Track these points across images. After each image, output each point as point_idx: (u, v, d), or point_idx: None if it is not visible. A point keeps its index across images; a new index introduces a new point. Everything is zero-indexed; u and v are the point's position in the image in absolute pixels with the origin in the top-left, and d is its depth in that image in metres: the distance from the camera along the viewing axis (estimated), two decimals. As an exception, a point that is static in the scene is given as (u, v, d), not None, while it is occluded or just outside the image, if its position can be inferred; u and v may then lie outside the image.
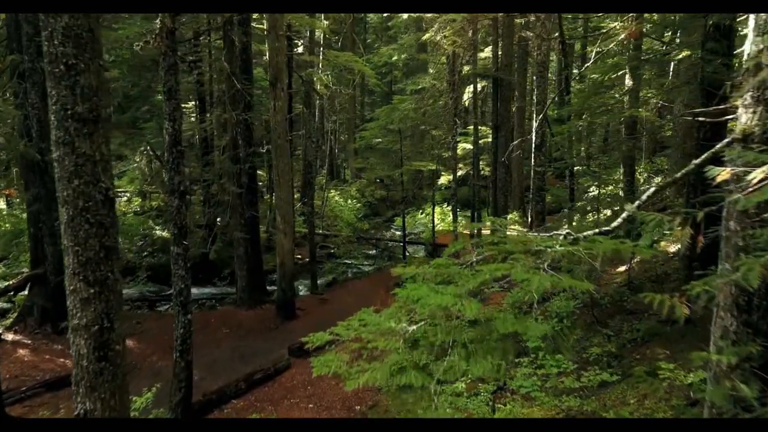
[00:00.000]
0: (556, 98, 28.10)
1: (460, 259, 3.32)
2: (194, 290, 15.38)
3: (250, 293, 11.40)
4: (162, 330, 10.44)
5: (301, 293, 14.51)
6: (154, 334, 10.02)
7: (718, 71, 6.84)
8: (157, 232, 17.50)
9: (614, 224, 2.98)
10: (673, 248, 10.74)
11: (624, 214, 3.02)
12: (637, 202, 3.04)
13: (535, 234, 2.89)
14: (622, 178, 11.23)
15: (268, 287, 13.47)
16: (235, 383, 7.90)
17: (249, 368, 8.62)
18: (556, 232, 2.87)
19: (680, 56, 8.83)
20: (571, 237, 2.85)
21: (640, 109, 9.36)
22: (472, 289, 2.58)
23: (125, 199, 21.25)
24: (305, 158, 14.34)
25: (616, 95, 9.66)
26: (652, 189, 3.16)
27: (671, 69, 10.17)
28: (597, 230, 2.92)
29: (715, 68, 6.81)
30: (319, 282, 16.28)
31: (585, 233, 2.89)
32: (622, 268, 10.94)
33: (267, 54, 11.94)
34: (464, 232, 21.20)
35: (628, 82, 10.92)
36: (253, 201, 11.46)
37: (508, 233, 3.09)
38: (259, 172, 22.62)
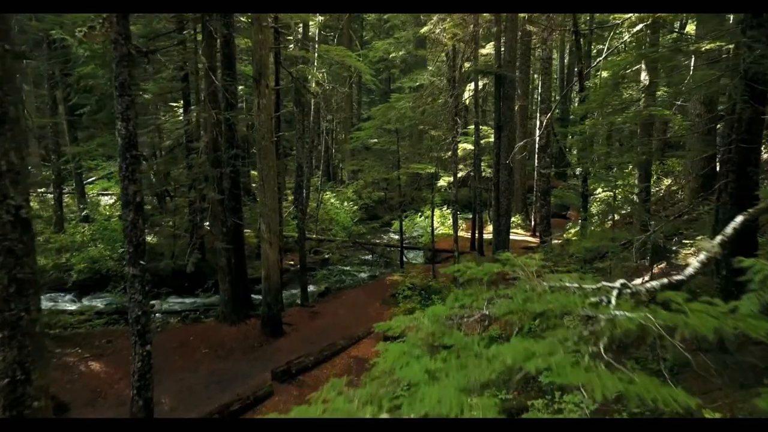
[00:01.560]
0: (558, 97, 27.19)
1: (467, 309, 2.45)
2: (178, 300, 14.59)
3: (233, 307, 10.50)
4: (136, 349, 9.53)
5: (293, 302, 13.62)
6: (125, 355, 9.08)
7: (758, 62, 5.96)
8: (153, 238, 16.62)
9: (689, 271, 2.09)
10: (694, 260, 9.85)
11: (702, 256, 2.13)
12: (719, 238, 2.15)
13: (576, 284, 1.97)
14: (636, 182, 10.34)
15: (255, 296, 12.56)
16: (208, 416, 7.00)
17: (227, 396, 7.72)
18: (606, 283, 1.98)
19: (707, 47, 7.91)
20: (629, 290, 1.96)
21: (659, 108, 8.47)
22: (487, 381, 1.68)
23: (111, 202, 20.35)
24: (297, 160, 13.42)
25: (631, 92, 8.76)
26: (740, 218, 2.27)
27: (692, 63, 9.27)
28: (665, 281, 2.02)
29: (754, 59, 5.93)
30: (311, 289, 15.37)
31: (648, 285, 2.00)
32: (639, 281, 10.04)
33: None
34: (465, 236, 20.32)
35: (645, 77, 10.04)
36: (236, 207, 10.55)
37: (532, 276, 2.18)
38: (253, 172, 21.74)
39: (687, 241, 9.88)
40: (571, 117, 31.82)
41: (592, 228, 15.41)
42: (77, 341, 9.48)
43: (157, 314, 12.78)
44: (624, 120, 7.85)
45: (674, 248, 9.82)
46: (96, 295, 14.21)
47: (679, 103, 10.25)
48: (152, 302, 14.10)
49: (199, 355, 9.32)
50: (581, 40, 7.43)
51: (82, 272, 14.46)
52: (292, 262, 17.05)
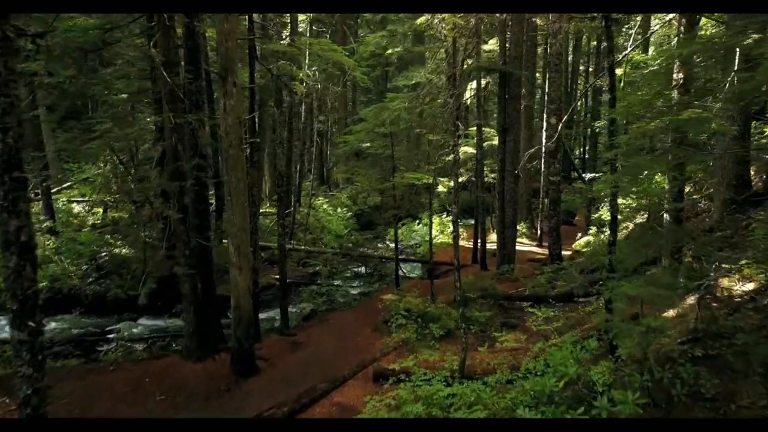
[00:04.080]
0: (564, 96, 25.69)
1: None
2: (148, 322, 13.06)
3: (198, 341, 9.04)
4: (86, 396, 8.07)
5: (274, 327, 12.14)
6: (63, 406, 7.63)
7: None
8: (117, 249, 15.13)
9: None
10: (739, 289, 8.39)
11: None
12: None
13: None
14: (668, 197, 8.88)
15: (228, 317, 11.02)
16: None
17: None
18: None
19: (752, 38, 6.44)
20: None
21: (699, 111, 7.04)
22: None
23: (86, 210, 18.86)
24: (278, 168, 11.98)
25: (669, 92, 7.29)
26: None
27: (737, 58, 7.84)
28: None
29: None
30: (297, 310, 13.92)
31: None
32: (671, 313, 8.58)
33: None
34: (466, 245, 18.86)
35: (678, 75, 8.59)
36: (202, 225, 9.10)
37: None
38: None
39: (729, 266, 8.38)
40: (574, 117, 30.34)
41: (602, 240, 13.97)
42: (8, 387, 8.01)
43: (120, 342, 11.31)
44: (661, 125, 6.41)
45: (713, 274, 8.32)
46: (56, 317, 12.75)
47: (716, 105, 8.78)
48: (117, 326, 12.71)
49: (152, 403, 7.84)
50: (612, 27, 5.96)
51: (41, 292, 12.99)
52: (278, 277, 15.59)
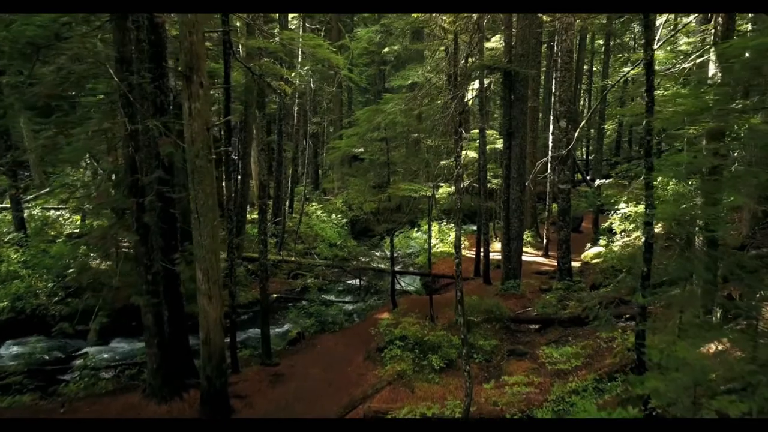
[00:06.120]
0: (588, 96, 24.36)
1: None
2: (119, 346, 11.94)
3: (164, 379, 7.91)
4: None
5: (254, 354, 10.96)
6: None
7: None
8: (96, 263, 13.94)
9: None
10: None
11: None
12: None
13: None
14: (699, 212, 7.74)
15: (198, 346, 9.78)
16: None
17: None
18: None
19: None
20: None
21: (745, 114, 5.96)
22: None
23: (66, 218, 17.69)
24: (259, 177, 10.86)
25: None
26: None
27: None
28: None
29: None
30: (283, 330, 12.80)
31: None
32: (712, 348, 7.43)
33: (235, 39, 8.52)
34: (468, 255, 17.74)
35: (714, 73, 7.48)
36: (168, 246, 7.95)
37: None
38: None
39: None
40: (583, 122, 29.18)
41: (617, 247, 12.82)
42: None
43: (84, 371, 10.13)
44: (697, 132, 5.31)
45: (754, 302, 7.18)
46: (19, 340, 11.58)
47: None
48: (84, 350, 11.54)
49: (102, 459, 6.70)
50: (649, 16, 4.84)
51: (2, 312, 11.83)
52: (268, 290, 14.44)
